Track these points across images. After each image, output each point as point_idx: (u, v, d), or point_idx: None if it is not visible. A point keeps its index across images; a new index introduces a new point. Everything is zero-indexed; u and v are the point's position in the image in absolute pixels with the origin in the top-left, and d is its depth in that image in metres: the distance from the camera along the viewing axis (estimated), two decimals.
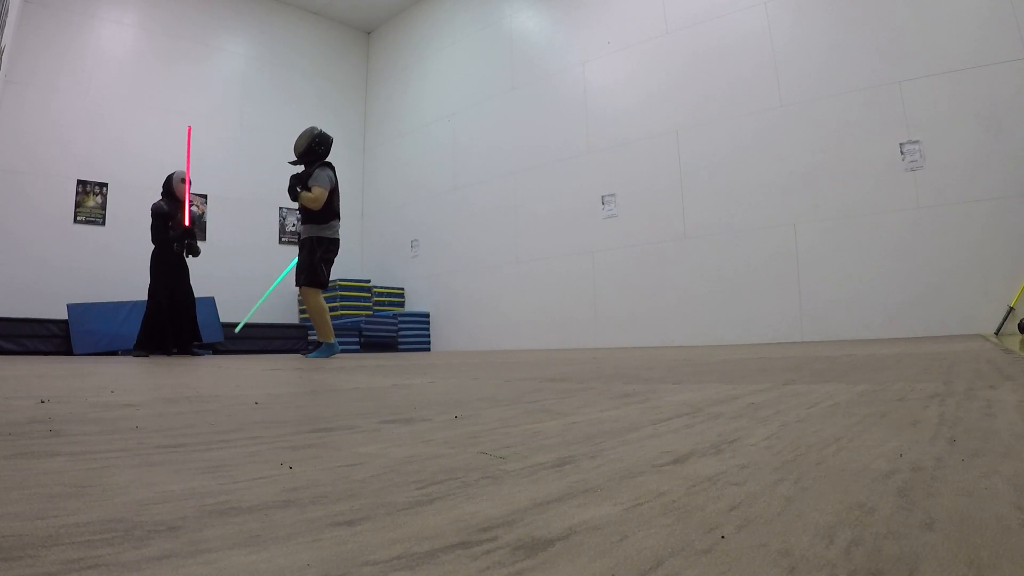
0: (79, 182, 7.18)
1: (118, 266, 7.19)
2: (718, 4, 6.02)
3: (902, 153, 4.92)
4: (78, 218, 7.16)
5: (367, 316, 8.08)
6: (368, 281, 8.61)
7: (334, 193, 4.68)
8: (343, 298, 8.18)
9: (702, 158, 6.00)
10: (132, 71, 7.69)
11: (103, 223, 7.30)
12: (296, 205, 5.83)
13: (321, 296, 4.71)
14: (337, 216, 4.74)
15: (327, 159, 4.80)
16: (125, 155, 7.47)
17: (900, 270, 4.87)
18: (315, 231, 4.66)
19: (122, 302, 6.64)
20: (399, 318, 8.14)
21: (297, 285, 4.71)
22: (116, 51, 7.61)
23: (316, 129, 4.80)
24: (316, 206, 4.54)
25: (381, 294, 8.54)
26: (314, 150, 4.71)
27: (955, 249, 4.65)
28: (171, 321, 5.49)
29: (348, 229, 8.52)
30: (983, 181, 4.57)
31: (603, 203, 6.73)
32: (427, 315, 8.45)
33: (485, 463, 0.57)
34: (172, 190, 5.61)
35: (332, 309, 8.19)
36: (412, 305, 8.69)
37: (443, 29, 8.87)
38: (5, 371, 2.46)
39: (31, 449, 0.65)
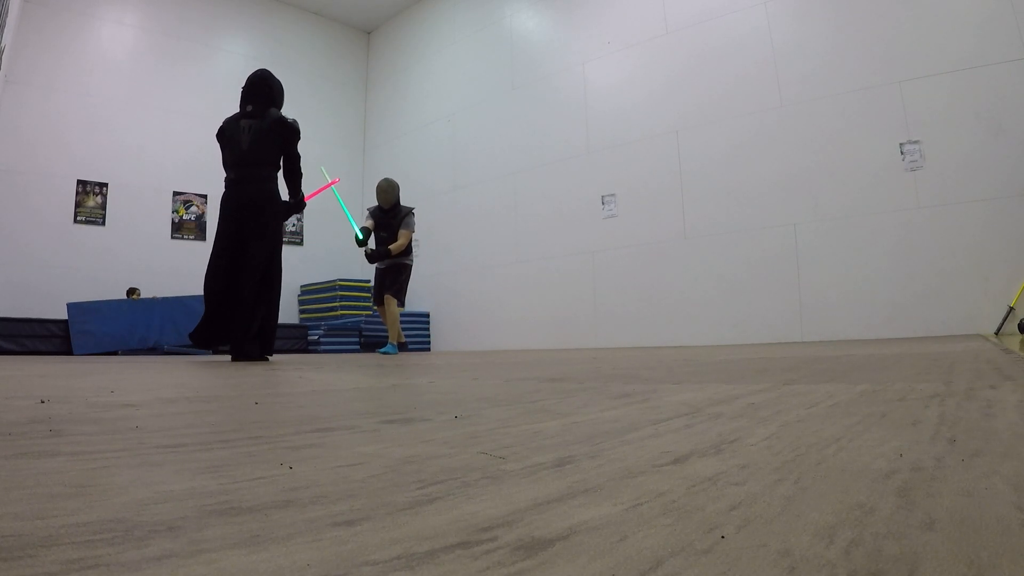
0: (79, 182, 7.18)
1: (118, 266, 7.19)
2: (718, 4, 6.02)
3: (902, 153, 4.92)
4: (78, 218, 7.16)
5: (367, 316, 8.07)
6: (368, 281, 8.60)
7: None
8: (343, 298, 8.18)
9: (702, 158, 6.00)
10: (132, 71, 7.69)
11: (103, 223, 7.30)
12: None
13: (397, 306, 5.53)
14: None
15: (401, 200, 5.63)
16: (125, 155, 7.47)
17: (900, 270, 4.87)
18: (402, 259, 5.51)
19: (122, 300, 6.62)
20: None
21: (387, 294, 5.49)
22: (116, 51, 7.61)
23: (392, 180, 5.52)
24: (403, 247, 5.38)
25: None
26: (398, 197, 5.55)
27: (955, 249, 4.65)
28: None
29: (348, 229, 8.53)
30: (983, 181, 4.57)
31: (603, 203, 6.73)
32: (427, 315, 8.45)
33: (485, 463, 0.57)
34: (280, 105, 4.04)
35: (332, 309, 8.22)
36: (412, 305, 8.69)
37: (443, 29, 8.87)
38: (5, 371, 2.46)
39: (31, 449, 0.65)
